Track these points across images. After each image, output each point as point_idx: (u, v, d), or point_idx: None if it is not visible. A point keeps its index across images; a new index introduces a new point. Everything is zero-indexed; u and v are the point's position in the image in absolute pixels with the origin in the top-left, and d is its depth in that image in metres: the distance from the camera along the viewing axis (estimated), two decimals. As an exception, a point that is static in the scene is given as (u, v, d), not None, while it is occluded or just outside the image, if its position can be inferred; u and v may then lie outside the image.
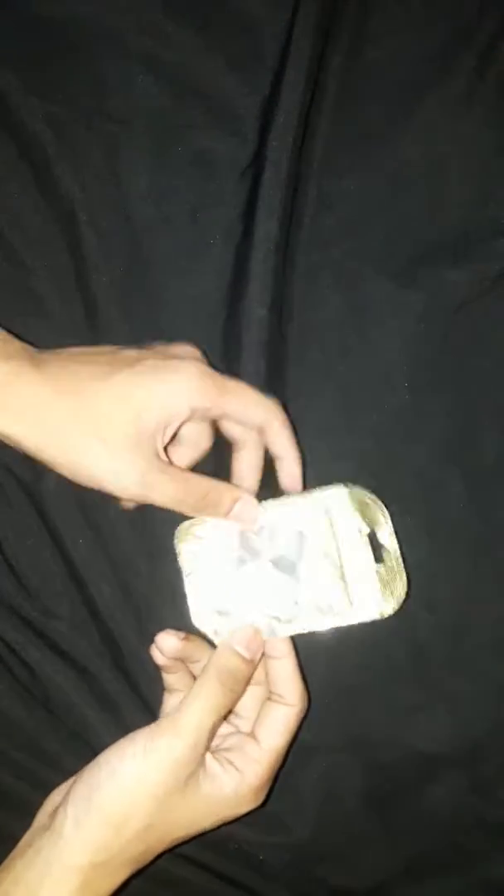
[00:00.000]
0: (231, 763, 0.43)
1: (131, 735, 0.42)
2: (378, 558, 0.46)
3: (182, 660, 0.46)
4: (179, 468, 0.45)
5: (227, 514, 0.46)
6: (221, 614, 0.46)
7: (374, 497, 0.46)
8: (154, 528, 0.50)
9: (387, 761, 0.52)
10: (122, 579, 0.51)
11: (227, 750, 0.44)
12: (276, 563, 0.46)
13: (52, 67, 0.51)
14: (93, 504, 0.50)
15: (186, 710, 0.42)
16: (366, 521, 0.46)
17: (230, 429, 0.47)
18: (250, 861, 0.52)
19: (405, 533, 0.50)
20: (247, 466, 0.48)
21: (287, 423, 0.47)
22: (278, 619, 0.46)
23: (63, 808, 0.41)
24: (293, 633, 0.46)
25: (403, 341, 0.52)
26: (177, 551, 0.47)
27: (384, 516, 0.46)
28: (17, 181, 0.51)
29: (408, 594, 0.46)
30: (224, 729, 0.46)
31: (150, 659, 0.46)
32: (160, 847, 0.42)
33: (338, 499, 0.46)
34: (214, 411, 0.45)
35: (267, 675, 0.46)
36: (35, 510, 0.51)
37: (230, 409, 0.45)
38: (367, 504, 0.46)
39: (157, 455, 0.43)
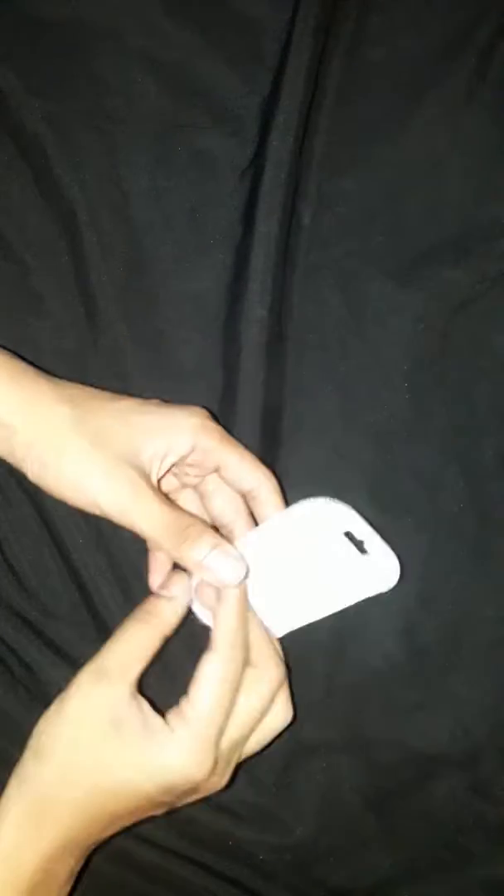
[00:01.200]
0: (166, 716, 0.42)
1: None
2: (362, 550, 0.46)
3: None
4: (170, 500, 0.43)
5: (202, 561, 0.42)
6: None
7: (335, 500, 0.45)
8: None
9: (387, 761, 0.52)
10: (122, 579, 0.51)
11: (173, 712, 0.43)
12: (269, 576, 0.46)
13: (52, 67, 0.51)
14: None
15: (104, 647, 0.42)
16: (339, 523, 0.46)
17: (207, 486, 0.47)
18: (250, 861, 0.52)
19: (405, 533, 0.51)
20: (228, 507, 0.47)
21: (279, 492, 0.46)
22: (280, 617, 0.46)
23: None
24: (298, 625, 0.46)
25: (403, 341, 0.52)
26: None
27: (353, 514, 0.45)
28: (17, 181, 0.51)
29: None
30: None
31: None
32: (89, 793, 0.40)
33: (308, 510, 0.46)
34: (212, 456, 0.44)
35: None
36: (35, 510, 0.51)
37: (228, 460, 0.44)
38: (334, 508, 0.45)
39: (150, 482, 0.42)
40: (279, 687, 0.44)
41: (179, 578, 0.45)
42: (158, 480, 0.43)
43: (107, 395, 0.44)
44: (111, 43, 0.51)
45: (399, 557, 0.47)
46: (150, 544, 0.46)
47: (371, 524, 0.45)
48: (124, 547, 0.51)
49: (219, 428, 0.45)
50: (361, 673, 0.51)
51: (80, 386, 0.44)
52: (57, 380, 0.43)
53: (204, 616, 0.45)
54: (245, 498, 0.47)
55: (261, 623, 0.45)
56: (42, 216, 0.51)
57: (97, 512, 0.41)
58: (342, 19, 0.52)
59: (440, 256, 0.52)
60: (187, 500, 0.48)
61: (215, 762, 0.41)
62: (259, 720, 0.44)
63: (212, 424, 0.45)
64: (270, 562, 0.46)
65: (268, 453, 0.51)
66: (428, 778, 0.52)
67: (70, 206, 0.50)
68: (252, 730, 0.44)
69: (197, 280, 0.52)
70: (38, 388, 0.42)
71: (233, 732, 0.42)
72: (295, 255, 0.52)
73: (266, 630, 0.45)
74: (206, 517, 0.48)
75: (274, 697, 0.44)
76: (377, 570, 0.45)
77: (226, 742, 0.42)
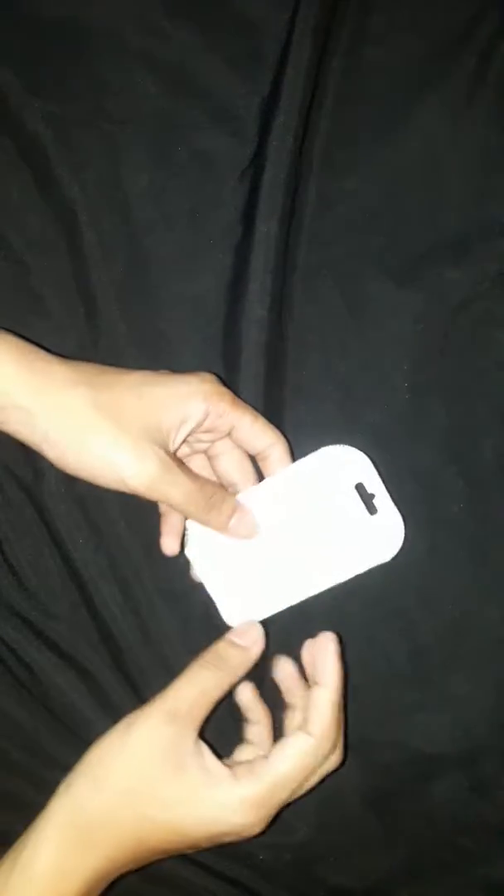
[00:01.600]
0: (233, 768, 0.43)
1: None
2: (371, 508, 0.46)
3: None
4: (189, 468, 0.45)
5: (226, 525, 0.46)
6: (246, 604, 0.47)
7: (352, 449, 0.46)
8: (154, 527, 0.50)
9: (387, 761, 0.52)
10: (122, 579, 0.51)
11: (238, 762, 0.44)
12: (277, 536, 0.47)
13: (52, 67, 0.51)
14: (93, 504, 0.50)
15: (173, 686, 0.43)
16: (352, 475, 0.46)
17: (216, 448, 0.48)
18: (250, 861, 0.52)
19: (405, 533, 0.51)
20: (235, 468, 0.48)
21: (289, 453, 0.47)
22: (291, 587, 0.46)
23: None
24: (308, 595, 0.46)
25: (403, 341, 0.52)
26: (189, 558, 0.48)
27: (368, 465, 0.46)
28: (17, 181, 0.51)
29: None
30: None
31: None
32: (141, 823, 0.41)
33: (320, 462, 0.47)
34: (226, 419, 0.45)
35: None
36: (35, 510, 0.51)
37: (241, 422, 0.45)
38: (349, 459, 0.46)
39: (172, 454, 0.43)
40: (331, 767, 0.45)
41: (252, 629, 0.46)
42: (175, 450, 0.44)
43: (116, 370, 0.44)
44: (111, 43, 0.51)
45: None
46: (173, 510, 0.47)
47: (383, 479, 0.46)
48: (124, 547, 0.51)
49: (229, 392, 0.46)
50: (361, 673, 0.51)
51: (90, 364, 0.44)
52: (67, 360, 0.43)
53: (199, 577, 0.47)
54: (256, 459, 0.48)
55: (330, 693, 0.44)
56: (42, 216, 0.51)
57: (123, 489, 0.42)
58: (342, 19, 0.52)
59: (440, 256, 0.52)
60: (197, 464, 0.49)
61: (266, 822, 0.43)
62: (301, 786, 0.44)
63: (223, 389, 0.45)
64: (274, 519, 0.47)
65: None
66: (428, 778, 0.52)
67: (70, 206, 0.51)
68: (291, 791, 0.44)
69: (197, 280, 0.52)
70: (51, 371, 0.42)
71: (281, 795, 0.43)
72: (295, 255, 0.52)
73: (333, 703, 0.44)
74: (214, 479, 0.49)
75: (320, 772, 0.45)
76: (383, 534, 0.46)
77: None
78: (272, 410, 0.51)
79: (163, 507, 0.48)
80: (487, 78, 0.52)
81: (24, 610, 0.51)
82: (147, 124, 0.51)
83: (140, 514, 0.50)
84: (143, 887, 0.51)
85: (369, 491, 0.46)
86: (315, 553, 0.47)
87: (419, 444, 0.52)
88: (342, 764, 0.45)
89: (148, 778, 0.41)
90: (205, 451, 0.49)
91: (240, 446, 0.47)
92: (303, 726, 0.43)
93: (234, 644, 0.45)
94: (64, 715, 0.50)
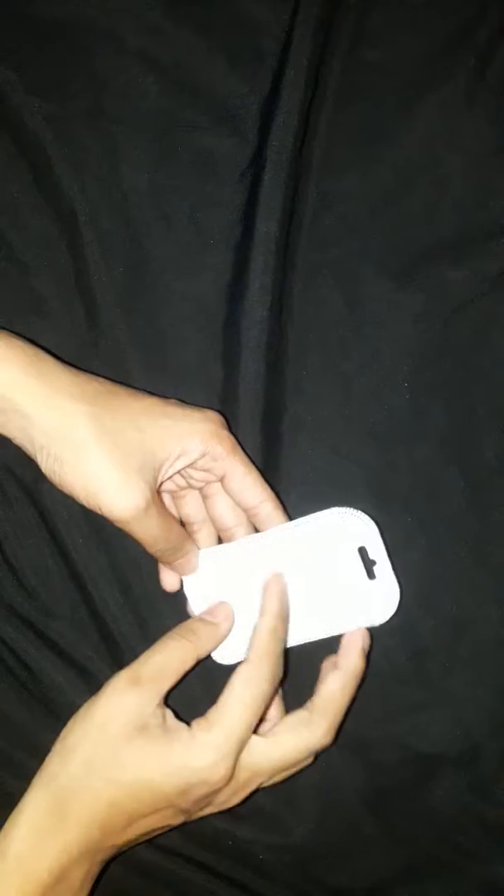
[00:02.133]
0: (192, 722, 0.43)
1: None
2: (370, 573, 0.47)
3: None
4: (165, 510, 0.45)
5: (171, 564, 0.47)
6: (237, 645, 0.47)
7: (361, 514, 0.47)
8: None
9: (386, 761, 0.52)
10: (122, 579, 0.51)
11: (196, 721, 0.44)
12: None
13: (52, 67, 0.51)
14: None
15: (142, 655, 0.44)
16: (355, 539, 0.47)
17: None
18: (250, 861, 0.52)
19: (405, 533, 0.51)
20: (230, 512, 0.48)
21: (282, 511, 0.47)
22: None
23: None
24: (296, 643, 0.47)
25: (403, 341, 0.52)
26: (187, 595, 0.48)
27: (373, 530, 0.47)
28: (17, 181, 0.51)
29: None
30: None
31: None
32: (112, 789, 0.41)
33: (327, 521, 0.47)
34: (220, 464, 0.45)
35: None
36: (35, 510, 0.51)
37: (233, 472, 0.45)
38: (355, 522, 0.47)
39: (154, 490, 0.43)
40: (321, 746, 0.45)
41: (223, 607, 0.47)
42: (161, 483, 0.44)
43: (127, 392, 0.44)
44: (111, 43, 0.51)
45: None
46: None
47: (387, 547, 0.46)
48: (124, 547, 0.51)
49: (231, 437, 0.46)
50: (361, 673, 0.51)
51: (102, 381, 0.44)
52: (79, 373, 0.43)
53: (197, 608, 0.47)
54: (248, 514, 0.48)
55: (343, 678, 0.45)
56: (42, 216, 0.51)
57: (100, 513, 0.42)
58: (342, 19, 0.52)
59: (440, 256, 0.52)
60: (191, 501, 0.49)
61: (232, 771, 0.42)
62: (291, 767, 0.45)
63: (225, 433, 0.45)
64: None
65: (268, 453, 0.51)
66: (428, 778, 0.52)
67: (70, 206, 0.51)
68: (279, 771, 0.45)
69: (197, 280, 0.52)
70: (59, 382, 0.42)
71: (261, 762, 0.43)
72: (295, 255, 0.52)
73: (342, 688, 0.45)
74: (206, 519, 0.49)
75: (313, 752, 0.45)
76: (378, 600, 0.47)
77: (250, 764, 0.43)
78: (272, 410, 0.51)
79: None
80: (487, 78, 0.52)
81: (25, 609, 0.51)
82: (147, 124, 0.51)
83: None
84: (144, 887, 0.51)
85: (371, 557, 0.47)
86: (308, 606, 0.47)
87: (419, 444, 0.52)
88: (332, 744, 0.45)
89: (111, 742, 0.41)
90: (200, 490, 0.49)
91: (231, 496, 0.47)
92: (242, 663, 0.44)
93: (203, 620, 0.46)
94: (64, 714, 0.50)
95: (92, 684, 0.50)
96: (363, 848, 0.53)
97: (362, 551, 0.47)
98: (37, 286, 0.51)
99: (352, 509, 0.47)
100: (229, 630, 0.47)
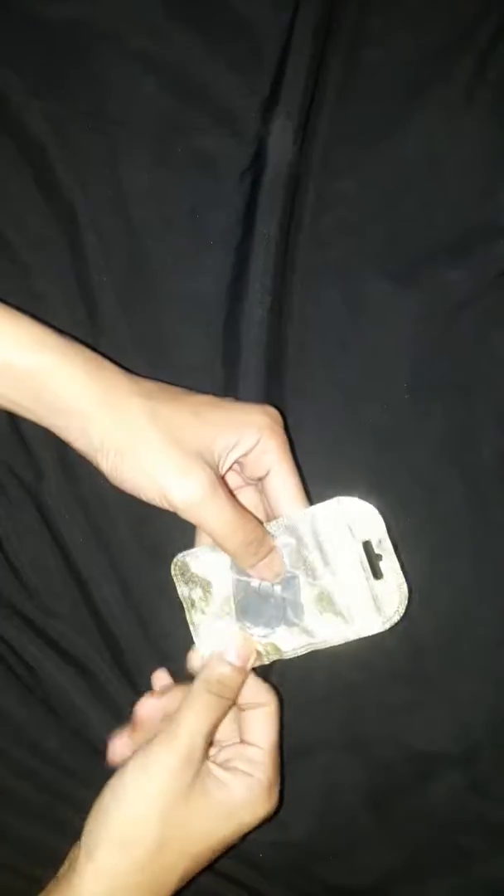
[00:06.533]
0: (237, 768, 0.43)
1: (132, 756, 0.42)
2: (377, 571, 0.45)
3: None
4: (237, 499, 0.43)
5: (254, 565, 0.44)
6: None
7: (369, 506, 0.45)
8: (155, 528, 0.50)
9: (386, 760, 0.52)
10: (122, 579, 0.51)
11: (227, 761, 0.44)
12: (269, 589, 0.46)
13: (52, 67, 0.51)
14: (94, 504, 0.51)
15: (178, 719, 0.42)
16: (362, 533, 0.45)
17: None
18: (250, 860, 0.52)
19: (405, 533, 0.51)
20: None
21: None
22: (275, 644, 0.46)
23: (78, 843, 0.41)
24: (292, 654, 0.46)
25: (403, 341, 0.52)
26: (175, 584, 0.47)
27: (381, 525, 0.45)
28: (17, 181, 0.51)
29: (407, 608, 0.45)
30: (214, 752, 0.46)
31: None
32: (186, 863, 0.42)
33: (332, 513, 0.45)
34: (269, 458, 0.44)
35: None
36: (36, 510, 0.51)
37: (280, 468, 0.44)
38: (363, 514, 0.45)
39: (221, 480, 0.42)
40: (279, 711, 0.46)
41: (247, 645, 0.45)
42: (224, 474, 0.43)
43: (181, 390, 0.44)
44: (111, 43, 0.51)
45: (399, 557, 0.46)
46: (212, 541, 0.45)
47: (394, 542, 0.45)
48: (125, 547, 0.51)
49: (285, 435, 0.45)
50: (361, 672, 0.51)
51: (156, 381, 0.44)
52: (133, 375, 0.43)
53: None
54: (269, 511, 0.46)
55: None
56: (42, 216, 0.51)
57: (165, 505, 0.41)
58: (342, 19, 0.52)
59: (440, 256, 0.52)
60: (247, 496, 0.47)
61: (276, 797, 0.44)
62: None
63: (279, 429, 0.45)
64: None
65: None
66: (427, 777, 0.52)
67: (70, 206, 0.51)
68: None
69: (197, 280, 0.52)
70: (115, 381, 0.42)
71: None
72: (295, 255, 0.52)
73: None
74: (262, 514, 0.47)
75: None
76: (383, 604, 0.45)
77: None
78: (272, 410, 0.51)
79: (213, 540, 0.44)
80: (487, 78, 0.52)
81: (25, 609, 0.51)
82: (147, 124, 0.51)
83: (140, 514, 0.50)
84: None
85: (376, 551, 0.45)
86: (309, 613, 0.45)
87: (419, 444, 0.52)
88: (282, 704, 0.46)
89: (174, 824, 0.41)
90: (256, 485, 0.47)
91: (265, 495, 0.46)
92: (252, 704, 0.45)
93: (234, 668, 0.44)
94: (64, 713, 0.50)
95: (92, 683, 0.50)
96: (363, 847, 0.53)
97: (367, 545, 0.45)
98: (36, 286, 0.51)
99: (353, 499, 0.45)
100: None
